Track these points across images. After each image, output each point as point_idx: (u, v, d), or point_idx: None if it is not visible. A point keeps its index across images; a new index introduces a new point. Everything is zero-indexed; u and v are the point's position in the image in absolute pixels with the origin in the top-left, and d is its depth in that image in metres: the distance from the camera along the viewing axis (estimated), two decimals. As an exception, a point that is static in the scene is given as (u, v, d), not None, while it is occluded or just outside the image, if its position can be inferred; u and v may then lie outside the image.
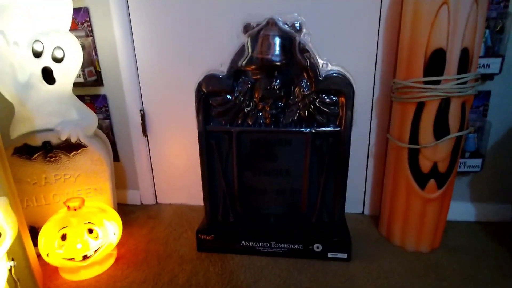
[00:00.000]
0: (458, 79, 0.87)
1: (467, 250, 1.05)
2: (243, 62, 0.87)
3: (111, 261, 1.04)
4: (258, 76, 0.91)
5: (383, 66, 1.11)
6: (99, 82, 1.29)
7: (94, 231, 0.95)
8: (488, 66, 1.00)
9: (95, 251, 0.95)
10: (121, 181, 1.42)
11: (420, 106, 0.92)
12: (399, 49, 0.97)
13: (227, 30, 1.10)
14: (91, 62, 1.28)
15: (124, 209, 1.38)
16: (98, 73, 1.28)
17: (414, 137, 0.95)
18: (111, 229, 0.98)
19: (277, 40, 0.83)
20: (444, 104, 0.90)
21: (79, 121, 1.09)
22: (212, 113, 0.98)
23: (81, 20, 1.24)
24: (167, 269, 1.00)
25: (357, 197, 1.28)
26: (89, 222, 0.95)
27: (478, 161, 1.13)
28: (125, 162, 1.39)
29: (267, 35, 0.83)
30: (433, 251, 1.06)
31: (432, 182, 0.97)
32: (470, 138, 1.09)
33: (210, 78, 0.93)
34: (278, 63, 0.84)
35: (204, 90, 0.95)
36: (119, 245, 1.11)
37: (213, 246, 1.06)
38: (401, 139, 0.98)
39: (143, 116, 1.30)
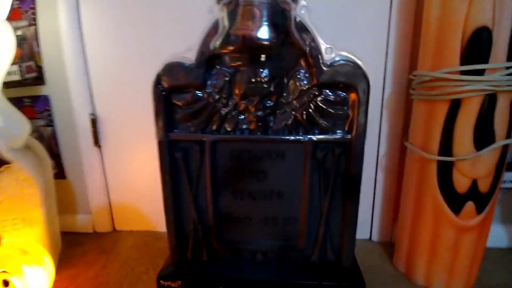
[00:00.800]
0: (508, 67, 0.64)
1: (507, 286, 0.82)
2: (216, 42, 0.61)
3: (37, 322, 0.74)
4: (239, 64, 0.66)
5: (396, 56, 0.88)
6: (40, 80, 1.01)
7: (10, 283, 0.66)
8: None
9: (9, 312, 0.66)
10: (69, 203, 1.12)
11: (455, 105, 0.69)
12: (423, 32, 0.74)
13: (195, 4, 0.86)
14: (31, 56, 1.00)
15: (71, 240, 1.08)
16: (39, 69, 1.01)
17: (446, 147, 0.72)
18: (33, 280, 0.69)
19: (265, 11, 0.58)
20: (489, 102, 0.67)
21: (2, 130, 0.80)
22: (177, 116, 0.72)
23: (25, 8, 0.98)
24: (115, 332, 0.72)
25: (363, 219, 1.04)
26: (3, 271, 0.67)
27: (514, 175, 0.91)
28: (73, 180, 1.11)
29: (250, 4, 0.58)
30: (468, 292, 0.82)
31: (470, 205, 0.73)
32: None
33: (173, 68, 0.68)
34: (266, 43, 0.59)
35: (165, 85, 0.69)
36: (53, 295, 0.82)
37: (180, 295, 0.78)
38: (427, 149, 0.75)
39: (94, 122, 1.03)
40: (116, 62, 0.97)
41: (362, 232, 1.06)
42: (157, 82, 0.68)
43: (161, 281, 0.78)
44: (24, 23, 0.99)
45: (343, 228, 0.77)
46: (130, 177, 1.08)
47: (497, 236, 0.98)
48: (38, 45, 0.99)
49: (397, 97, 0.91)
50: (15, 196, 0.83)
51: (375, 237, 1.06)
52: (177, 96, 0.70)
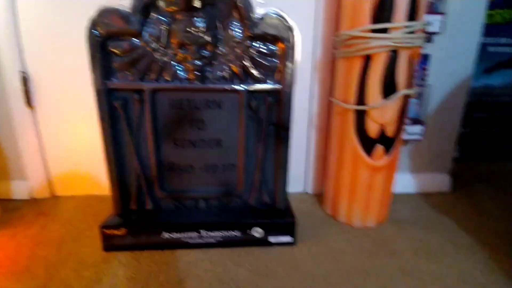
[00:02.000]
0: (407, 26, 0.77)
1: (413, 222, 1.00)
2: (150, -13, 0.64)
3: (-31, 277, 0.72)
4: (174, 9, 0.69)
5: (324, 23, 0.98)
6: (-43, 32, 0.93)
7: None
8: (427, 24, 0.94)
9: None
10: (2, 169, 1.06)
11: (367, 61, 0.81)
12: (343, -4, 0.84)
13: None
14: None
15: (6, 205, 1.04)
16: (-45, 21, 0.92)
17: (360, 98, 0.84)
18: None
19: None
20: (392, 58, 0.79)
21: None
22: (115, 65, 0.74)
23: None
24: (58, 278, 0.73)
25: (297, 174, 1.15)
26: None
27: (418, 129, 1.08)
28: (5, 144, 1.05)
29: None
30: (380, 226, 0.97)
31: (379, 147, 0.87)
32: (411, 103, 1.03)
33: (107, 13, 0.69)
34: (198, -12, 0.64)
35: (100, 31, 0.69)
36: (-13, 253, 0.80)
37: (125, 243, 0.81)
38: (346, 100, 0.86)
39: (25, 81, 0.98)
40: (48, 14, 0.93)
41: (297, 185, 1.17)
42: (92, 27, 0.69)
43: (105, 230, 0.80)
44: None
45: (277, 173, 0.86)
46: (70, 139, 1.05)
47: (405, 183, 1.16)
48: (-46, -5, 0.91)
49: (325, 60, 1.02)
50: None
51: (309, 190, 1.18)
52: (113, 44, 0.72)
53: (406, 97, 0.85)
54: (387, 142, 0.87)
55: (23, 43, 0.95)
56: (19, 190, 1.08)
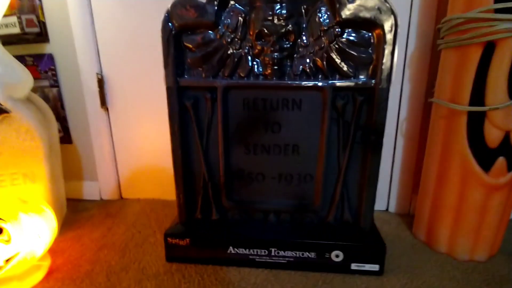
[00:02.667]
0: (550, 4, 0.58)
1: (535, 257, 0.77)
2: (231, -31, 0.57)
3: (38, 276, 0.71)
4: (255, 0, 0.61)
5: (421, 10, 0.83)
6: (43, 36, 0.98)
7: (3, 231, 0.63)
8: None
9: (7, 260, 0.63)
10: (75, 169, 1.09)
11: (489, 50, 0.63)
12: (454, -28, 0.68)
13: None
14: (32, 9, 0.96)
15: (77, 206, 1.06)
16: (42, 25, 0.97)
17: (477, 97, 0.66)
18: (32, 229, 0.65)
19: None
20: (527, 45, 0.61)
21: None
22: (188, 61, 0.68)
23: None
24: (120, 289, 0.69)
25: (380, 189, 0.99)
26: (-4, 217, 0.63)
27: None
28: (79, 145, 1.07)
29: None
30: (491, 259, 0.76)
31: (501, 161, 0.68)
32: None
33: (183, 4, 0.63)
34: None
35: (175, 24, 0.64)
36: (56, 253, 0.79)
37: (188, 255, 0.74)
38: (456, 101, 0.69)
39: (101, 82, 0.99)
40: (124, 16, 0.93)
41: (379, 203, 1.01)
42: (167, 20, 0.64)
43: (168, 239, 0.74)
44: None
45: (363, 187, 0.72)
46: (139, 142, 1.04)
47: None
48: (39, -2, 0.95)
49: (421, 54, 0.86)
50: (16, 149, 0.79)
51: (392, 209, 1.00)
52: (187, 38, 0.66)
53: (543, 97, 0.65)
54: (513, 154, 0.67)
55: (98, 44, 0.96)
56: (90, 191, 1.10)
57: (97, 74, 0.98)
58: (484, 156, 0.68)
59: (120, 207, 1.04)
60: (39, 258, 0.69)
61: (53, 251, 0.79)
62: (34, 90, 0.88)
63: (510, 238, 0.84)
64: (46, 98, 1.02)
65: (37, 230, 0.66)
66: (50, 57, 0.99)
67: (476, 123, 0.68)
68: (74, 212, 1.02)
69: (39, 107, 0.87)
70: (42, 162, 0.81)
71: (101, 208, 1.05)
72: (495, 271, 0.72)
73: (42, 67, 1.00)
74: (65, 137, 1.06)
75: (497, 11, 0.61)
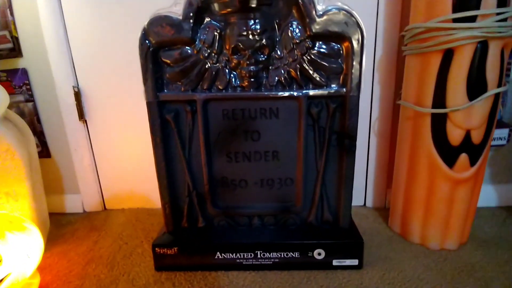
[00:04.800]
0: (498, 13, 0.64)
1: (500, 243, 0.84)
2: (205, -12, 0.59)
3: (27, 296, 0.71)
4: (229, 11, 0.63)
5: (386, 17, 0.88)
6: (16, 51, 0.96)
7: (-7, 254, 0.63)
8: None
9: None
10: (56, 183, 1.08)
11: (448, 56, 0.69)
12: (414, -16, 0.73)
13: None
14: (5, 25, 0.94)
15: (60, 220, 1.05)
16: (15, 40, 0.95)
17: (439, 99, 0.72)
18: (20, 249, 0.66)
19: (255, -46, 0.56)
20: (480, 51, 0.67)
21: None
22: (166, 76, 0.69)
23: None
24: (111, 302, 0.70)
25: (357, 186, 1.04)
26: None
27: (504, 132, 0.92)
28: (59, 159, 1.06)
29: None
30: (462, 248, 0.83)
31: (463, 157, 0.74)
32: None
33: (159, 22, 0.65)
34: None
35: (152, 41, 0.66)
36: (44, 270, 0.79)
37: (177, 263, 0.76)
38: (420, 103, 0.75)
39: (78, 95, 0.98)
40: (98, 29, 0.93)
41: (356, 198, 1.06)
42: (144, 37, 0.65)
43: (156, 249, 0.76)
44: (-7, -10, 0.92)
45: (340, 187, 0.76)
46: (120, 153, 1.04)
47: (487, 195, 1.00)
48: (11, 14, 0.93)
49: (388, 59, 0.91)
50: (-3, 170, 0.78)
51: (369, 203, 1.06)
52: (165, 53, 0.67)
53: (497, 96, 0.71)
54: (473, 150, 0.73)
55: (74, 59, 0.96)
56: (72, 204, 1.09)
57: (74, 87, 0.97)
58: (448, 153, 0.74)
59: (105, 219, 1.05)
60: (28, 277, 0.69)
61: (41, 268, 0.79)
62: (9, 105, 0.86)
63: (478, 226, 0.91)
64: (21, 113, 1.01)
65: (25, 249, 0.66)
66: (24, 72, 0.98)
67: (439, 123, 0.73)
68: (57, 226, 1.01)
69: (16, 124, 0.86)
70: (23, 181, 0.80)
71: (85, 220, 1.04)
72: (466, 259, 0.79)
73: (16, 82, 0.99)
74: (43, 152, 1.05)
75: (455, 20, 0.66)
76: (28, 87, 0.99)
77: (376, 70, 0.92)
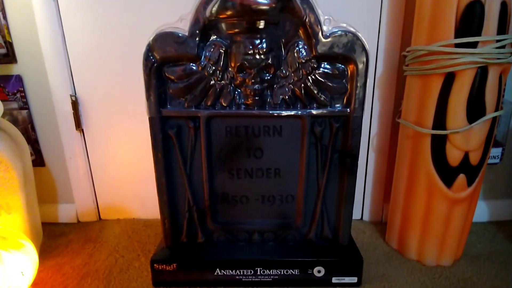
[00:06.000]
0: (498, 40, 0.66)
1: (492, 258, 0.87)
2: (213, 8, 0.58)
3: (20, 314, 0.69)
4: (236, 31, 0.63)
5: (388, 35, 0.89)
6: (10, 57, 0.93)
7: (-14, 273, 0.61)
8: None
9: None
10: (49, 192, 1.06)
11: (449, 79, 0.70)
12: (417, 6, 0.74)
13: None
14: (-2, 30, 0.92)
15: (53, 230, 1.02)
16: (9, 45, 0.93)
17: (439, 121, 0.73)
18: (15, 267, 0.64)
19: (264, -25, 0.56)
20: (480, 76, 0.68)
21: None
22: (170, 91, 0.69)
23: None
24: (108, 320, 0.69)
25: (355, 199, 1.04)
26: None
27: (497, 151, 0.94)
28: (53, 167, 1.04)
29: (249, -32, 0.55)
30: (456, 263, 0.85)
31: (461, 177, 0.75)
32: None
33: (165, 38, 0.64)
34: (265, 7, 0.57)
35: (157, 56, 0.65)
36: (37, 285, 0.77)
37: (175, 279, 0.76)
38: (421, 123, 0.76)
39: (75, 104, 0.96)
40: (98, 36, 0.91)
41: (354, 212, 1.04)
42: (148, 53, 0.64)
43: (155, 265, 0.75)
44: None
45: (340, 205, 0.76)
46: (116, 163, 1.02)
47: (479, 211, 1.02)
48: (4, 17, 0.90)
49: (388, 76, 0.92)
50: (-10, 182, 0.76)
51: (366, 217, 1.07)
52: (169, 69, 0.67)
53: (494, 119, 0.73)
54: (471, 171, 0.75)
55: (71, 66, 0.94)
56: (66, 213, 1.07)
57: (71, 96, 0.95)
58: (447, 173, 0.76)
59: (100, 230, 1.03)
60: (21, 295, 0.68)
61: (34, 284, 0.77)
62: (2, 113, 0.84)
63: (470, 242, 0.93)
64: (15, 121, 0.98)
65: (20, 267, 0.64)
66: (18, 78, 0.95)
67: (439, 144, 0.74)
68: (51, 237, 0.98)
69: (10, 134, 0.84)
70: (17, 193, 0.78)
71: (80, 231, 1.02)
72: (459, 275, 0.80)
73: (9, 89, 0.96)
74: (37, 160, 1.02)
75: (457, 45, 0.67)
76: (23, 94, 0.96)
77: (377, 87, 0.93)
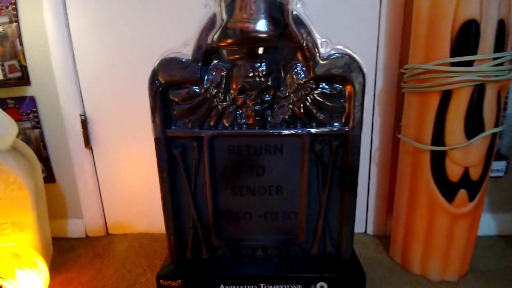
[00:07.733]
0: (495, 58, 0.67)
1: (499, 273, 0.85)
2: (214, 36, 0.61)
3: (31, 330, 0.71)
4: (237, 57, 0.66)
5: (386, 51, 0.91)
6: (25, 80, 0.98)
7: (1, 289, 0.63)
8: None
9: (2, 321, 0.63)
10: (59, 208, 1.09)
11: (446, 97, 0.71)
12: (413, 26, 0.76)
13: None
14: (14, 54, 0.97)
15: (63, 245, 1.05)
16: (24, 69, 0.98)
17: (438, 137, 0.74)
18: (28, 285, 0.66)
19: (262, 4, 0.59)
20: (478, 93, 0.69)
21: (-13, 130, 0.78)
22: (174, 112, 0.72)
23: (5, 4, 0.94)
24: (115, 336, 0.70)
25: (358, 213, 1.04)
26: (-7, 276, 0.64)
27: (501, 164, 0.94)
28: (63, 184, 1.07)
29: (248, -3, 0.58)
30: (462, 279, 0.84)
31: (462, 193, 0.76)
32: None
33: (169, 63, 0.67)
34: (264, 35, 0.60)
35: (162, 80, 0.68)
36: (47, 303, 0.79)
37: (180, 295, 0.77)
38: (420, 140, 0.77)
39: (84, 123, 1.00)
40: (106, 60, 0.95)
41: (357, 226, 1.07)
42: (154, 77, 0.67)
43: (161, 281, 0.76)
44: (4, 19, 0.94)
45: (342, 221, 0.77)
46: (123, 179, 1.06)
47: (486, 225, 1.02)
48: (21, 43, 0.96)
49: (388, 92, 0.93)
50: (4, 200, 0.80)
51: (370, 231, 1.07)
52: (173, 92, 0.70)
53: (495, 135, 0.74)
54: (472, 186, 0.75)
55: (81, 88, 0.98)
56: (75, 228, 1.10)
57: (80, 115, 0.99)
58: (447, 188, 0.76)
59: (108, 245, 1.05)
60: (32, 311, 0.70)
61: (44, 300, 0.79)
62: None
63: (478, 256, 0.92)
64: (28, 139, 1.02)
65: (32, 284, 0.67)
66: (32, 99, 1.00)
67: (438, 159, 0.75)
68: (60, 252, 1.01)
69: (23, 154, 0.87)
70: (30, 211, 0.82)
71: (88, 246, 1.05)
72: (465, 291, 0.80)
73: (23, 109, 1.00)
74: (48, 177, 1.06)
75: (453, 64, 0.69)
76: (36, 114, 1.01)
77: (377, 102, 0.94)
